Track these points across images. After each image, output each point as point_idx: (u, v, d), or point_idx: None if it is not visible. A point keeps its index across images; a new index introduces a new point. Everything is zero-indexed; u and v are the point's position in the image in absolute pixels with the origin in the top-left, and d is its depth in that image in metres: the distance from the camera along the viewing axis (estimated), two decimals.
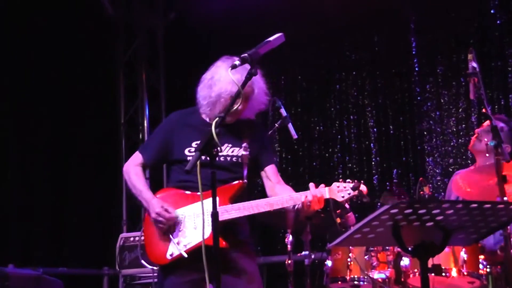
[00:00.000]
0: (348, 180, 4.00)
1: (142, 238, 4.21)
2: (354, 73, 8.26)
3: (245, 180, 4.05)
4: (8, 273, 4.76)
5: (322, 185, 3.99)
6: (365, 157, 8.09)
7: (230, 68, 3.59)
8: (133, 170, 4.25)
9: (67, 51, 8.27)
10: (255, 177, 4.26)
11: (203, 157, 3.93)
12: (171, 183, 4.22)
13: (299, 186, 8.08)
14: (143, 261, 4.64)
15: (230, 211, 3.97)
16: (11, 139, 7.66)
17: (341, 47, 8.32)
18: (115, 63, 8.99)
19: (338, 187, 3.96)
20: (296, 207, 3.99)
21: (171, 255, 4.02)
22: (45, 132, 7.97)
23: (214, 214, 3.33)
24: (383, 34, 8.13)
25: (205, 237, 3.88)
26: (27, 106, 7.86)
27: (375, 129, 8.09)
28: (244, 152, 4.09)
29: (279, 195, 4.10)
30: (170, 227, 4.02)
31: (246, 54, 3.55)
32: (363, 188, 3.97)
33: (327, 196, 3.96)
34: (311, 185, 3.98)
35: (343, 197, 3.94)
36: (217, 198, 3.88)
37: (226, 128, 4.01)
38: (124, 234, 7.02)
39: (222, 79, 4.04)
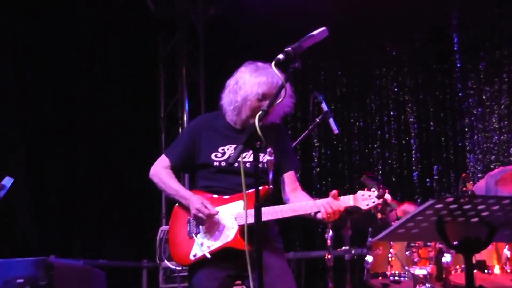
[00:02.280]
0: (373, 188, 3.98)
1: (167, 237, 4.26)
2: (394, 68, 8.20)
3: (271, 186, 4.03)
4: (53, 263, 4.83)
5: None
6: (405, 153, 8.04)
7: (274, 63, 3.52)
8: (163, 171, 4.26)
9: (109, 46, 8.36)
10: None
11: (223, 164, 4.06)
12: (194, 188, 4.23)
13: (338, 181, 8.13)
14: (166, 261, 4.70)
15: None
16: (54, 132, 7.76)
17: (381, 43, 8.27)
18: (156, 58, 9.06)
19: (363, 195, 3.95)
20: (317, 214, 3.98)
21: (194, 256, 4.05)
22: (87, 125, 8.06)
23: (258, 207, 3.32)
24: (424, 29, 8.07)
25: (230, 239, 3.98)
26: (70, 100, 7.96)
27: (415, 125, 8.03)
28: (269, 158, 4.03)
29: (295, 201, 4.12)
30: (197, 227, 4.06)
31: (289, 48, 3.51)
32: (387, 197, 3.95)
33: (351, 204, 3.96)
34: (333, 193, 3.96)
35: (367, 205, 3.93)
36: (243, 202, 3.96)
37: None
38: (164, 227, 7.05)
39: (247, 82, 4.07)
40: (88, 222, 7.93)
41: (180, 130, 8.93)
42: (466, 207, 2.86)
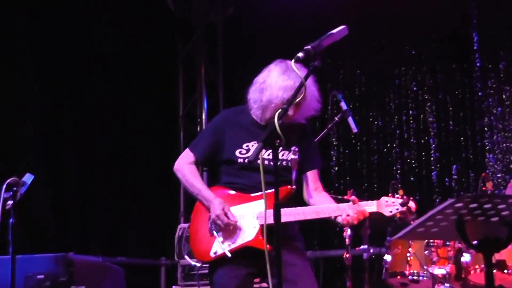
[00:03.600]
0: (397, 195, 3.97)
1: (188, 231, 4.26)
2: (414, 68, 8.18)
3: (294, 186, 4.03)
4: (72, 259, 4.86)
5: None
6: (424, 152, 8.02)
7: (293, 61, 3.50)
8: (188, 168, 4.22)
9: (128, 45, 8.40)
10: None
11: (247, 161, 4.04)
12: (217, 183, 4.21)
13: (356, 181, 8.12)
14: (186, 256, 4.69)
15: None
16: (73, 129, 7.81)
17: (401, 42, 8.24)
18: (175, 57, 9.09)
19: (387, 201, 3.95)
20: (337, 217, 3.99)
21: (215, 253, 4.06)
22: (106, 124, 8.10)
23: (277, 206, 3.33)
24: (444, 28, 8.04)
25: (250, 238, 3.99)
26: (89, 99, 8.00)
27: (434, 125, 8.00)
28: (293, 156, 4.05)
29: (316, 202, 4.13)
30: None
31: (309, 46, 3.51)
32: (411, 204, 3.94)
33: (374, 210, 3.95)
34: (352, 199, 3.97)
35: (390, 212, 3.93)
36: (264, 201, 3.96)
37: None
38: (182, 225, 7.09)
39: (273, 84, 4.02)
40: (107, 219, 7.96)
41: (198, 129, 8.95)
42: (486, 206, 2.85)
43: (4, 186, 4.46)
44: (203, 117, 8.99)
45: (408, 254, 5.19)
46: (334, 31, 3.63)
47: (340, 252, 5.84)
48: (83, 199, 7.79)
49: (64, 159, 7.68)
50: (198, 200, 4.20)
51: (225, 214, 4.00)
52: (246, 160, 4.08)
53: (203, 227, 4.13)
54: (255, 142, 4.08)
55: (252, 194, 4.05)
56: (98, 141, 8.01)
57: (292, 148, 4.06)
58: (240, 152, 4.11)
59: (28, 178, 4.57)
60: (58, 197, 7.42)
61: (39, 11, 7.52)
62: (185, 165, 4.23)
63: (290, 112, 3.94)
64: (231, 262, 4.02)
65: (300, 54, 3.50)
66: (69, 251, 5.09)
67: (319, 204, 4.12)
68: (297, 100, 3.62)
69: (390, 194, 3.98)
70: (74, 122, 7.82)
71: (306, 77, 3.55)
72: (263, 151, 3.95)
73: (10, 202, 4.44)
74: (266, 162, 3.98)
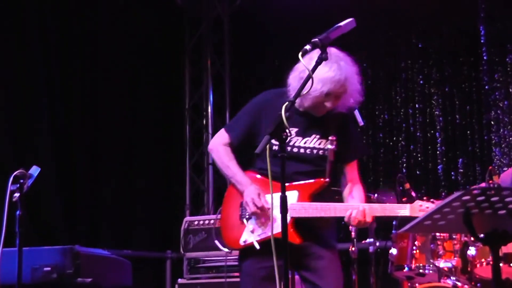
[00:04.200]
0: (432, 199, 3.96)
1: (219, 217, 4.17)
2: (420, 61, 8.15)
3: (327, 179, 3.96)
4: (79, 251, 4.87)
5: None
6: (430, 146, 8.00)
7: (301, 53, 3.50)
8: (223, 149, 4.13)
9: (135, 38, 8.40)
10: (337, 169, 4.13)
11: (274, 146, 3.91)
12: (251, 168, 4.12)
13: (363, 174, 8.07)
14: (216, 241, 4.59)
15: (308, 209, 3.91)
16: (81, 122, 7.81)
17: (408, 35, 8.22)
18: (181, 50, 9.09)
19: (421, 206, 3.91)
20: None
21: (244, 241, 4.00)
22: (113, 116, 8.10)
23: (283, 198, 3.33)
24: (451, 22, 8.01)
25: (280, 230, 3.82)
26: (96, 90, 8.01)
27: (441, 118, 7.98)
28: (330, 146, 3.98)
29: (346, 195, 4.07)
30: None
31: (317, 39, 3.51)
32: None
33: (407, 214, 3.90)
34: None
35: None
36: (297, 193, 3.91)
37: (314, 120, 3.98)
38: (188, 218, 7.10)
39: (314, 75, 3.80)
40: (114, 212, 7.98)
41: (204, 122, 8.97)
42: (493, 199, 2.84)
43: (11, 178, 4.47)
44: (209, 110, 8.99)
45: (414, 248, 5.18)
46: (342, 23, 3.63)
47: (346, 246, 5.82)
48: (90, 191, 7.80)
49: (72, 151, 7.69)
50: (231, 183, 4.11)
51: (255, 204, 3.90)
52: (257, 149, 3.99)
53: (234, 214, 4.06)
54: (292, 128, 3.96)
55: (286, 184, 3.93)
56: (106, 134, 8.02)
57: (330, 138, 3.99)
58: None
59: (34, 170, 4.58)
60: (65, 190, 7.43)
61: (49, 7, 7.52)
62: (220, 146, 4.14)
63: (328, 104, 3.90)
64: (260, 252, 3.94)
65: (308, 47, 3.51)
66: (76, 243, 5.10)
67: (348, 196, 4.05)
68: (304, 93, 3.57)
69: (424, 198, 3.96)
70: (82, 115, 7.83)
71: (313, 70, 3.54)
72: (299, 138, 3.99)
73: (17, 194, 4.45)
74: (302, 150, 3.98)
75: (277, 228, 3.84)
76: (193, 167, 8.92)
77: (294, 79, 3.91)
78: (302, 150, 3.94)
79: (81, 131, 7.79)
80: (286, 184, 3.82)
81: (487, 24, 7.77)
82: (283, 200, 3.34)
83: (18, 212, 4.42)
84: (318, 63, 3.55)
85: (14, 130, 7.10)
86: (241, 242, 4.01)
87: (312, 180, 3.97)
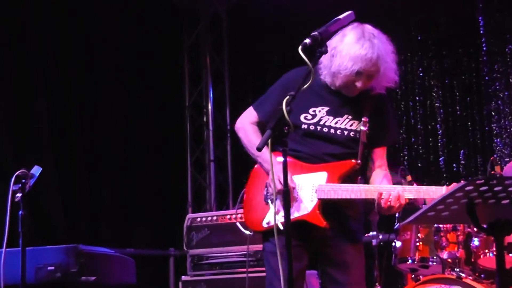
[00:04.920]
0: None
1: (243, 199, 4.00)
2: (419, 53, 8.15)
3: (359, 161, 3.82)
4: (83, 250, 4.87)
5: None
6: (431, 138, 8.00)
7: (300, 48, 3.43)
8: (251, 128, 3.98)
9: (133, 36, 8.40)
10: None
11: (312, 128, 3.77)
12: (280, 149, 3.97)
13: (364, 167, 8.08)
14: (238, 223, 4.47)
15: (338, 191, 3.74)
16: (81, 120, 7.82)
17: (406, 27, 8.21)
18: (180, 48, 9.08)
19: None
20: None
21: (267, 223, 3.84)
22: (113, 114, 8.10)
23: (286, 192, 3.29)
24: (449, 13, 8.00)
25: (307, 212, 3.73)
26: (96, 89, 8.01)
27: (441, 110, 7.99)
28: (363, 128, 3.83)
29: (373, 181, 3.90)
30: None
31: (316, 32, 3.47)
32: None
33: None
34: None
35: None
36: (326, 174, 3.75)
37: (347, 100, 3.85)
38: (191, 215, 7.09)
39: (344, 53, 3.72)
40: (116, 210, 7.98)
41: (205, 119, 8.96)
42: (496, 188, 2.84)
43: (13, 179, 4.47)
44: (209, 107, 8.99)
45: (417, 240, 5.17)
46: (341, 16, 3.61)
47: None
48: (92, 190, 7.81)
49: (72, 150, 7.69)
50: (257, 162, 3.95)
51: (280, 182, 3.66)
52: (311, 127, 3.85)
53: (258, 194, 3.92)
54: (323, 107, 3.86)
55: (315, 165, 3.82)
56: (106, 132, 8.02)
57: (363, 119, 3.85)
58: (305, 118, 3.86)
59: (36, 170, 4.58)
60: (67, 189, 7.44)
61: (46, 6, 7.52)
62: (248, 124, 4.00)
63: (359, 84, 3.75)
64: (284, 234, 3.81)
65: (307, 40, 3.45)
66: (79, 242, 5.10)
67: (375, 182, 3.87)
68: (304, 87, 3.48)
69: (401, 180, 3.92)
70: (82, 114, 7.83)
71: (314, 64, 3.50)
72: (330, 118, 3.83)
73: (19, 194, 4.45)
74: (332, 130, 3.84)
75: (304, 209, 3.77)
76: (195, 164, 8.92)
77: (324, 57, 3.70)
78: (332, 131, 3.81)
79: (81, 130, 7.79)
80: (316, 164, 3.77)
81: (486, 15, 7.76)
82: (286, 195, 3.29)
83: (20, 212, 4.41)
84: (318, 57, 3.50)
85: (14, 129, 7.10)
86: (264, 224, 3.86)
87: (342, 161, 3.83)
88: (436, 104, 8.02)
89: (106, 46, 8.13)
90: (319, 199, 3.77)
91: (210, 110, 8.98)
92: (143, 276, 6.29)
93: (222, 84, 9.08)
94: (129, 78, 8.37)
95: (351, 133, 3.88)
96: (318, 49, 3.49)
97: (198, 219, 6.81)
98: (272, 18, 8.56)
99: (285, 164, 3.30)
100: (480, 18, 7.79)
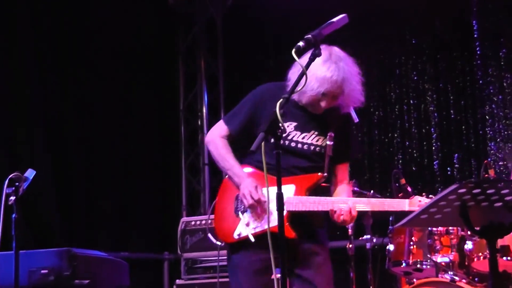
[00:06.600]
0: (431, 195, 3.97)
1: (212, 216, 4.14)
2: (414, 57, 8.15)
3: (325, 173, 3.96)
4: (76, 253, 4.86)
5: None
6: (426, 142, 8.00)
7: (294, 50, 3.46)
8: (221, 142, 4.08)
9: (128, 40, 8.39)
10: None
11: (280, 142, 3.72)
12: (248, 159, 4.08)
13: (358, 171, 8.11)
14: (209, 235, 4.57)
15: (305, 203, 3.89)
16: (76, 124, 7.81)
17: (401, 31, 8.22)
18: (175, 51, 9.08)
19: (420, 201, 3.89)
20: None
21: (238, 234, 3.96)
22: (108, 118, 8.09)
23: (279, 195, 3.32)
24: (444, 17, 8.01)
25: (276, 224, 3.71)
26: (91, 93, 7.99)
27: (435, 114, 7.98)
28: (328, 142, 3.97)
29: (334, 195, 4.05)
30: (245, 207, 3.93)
31: (309, 35, 3.51)
32: None
33: (406, 208, 3.89)
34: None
35: None
36: (294, 187, 3.88)
37: (314, 116, 3.97)
38: (185, 218, 7.09)
39: (311, 74, 3.77)
40: (110, 214, 7.97)
41: (199, 123, 8.96)
42: (489, 191, 2.85)
43: (7, 182, 4.46)
44: (204, 111, 8.99)
45: (411, 243, 5.18)
46: (335, 19, 3.63)
47: (343, 243, 5.83)
48: (86, 193, 7.79)
49: (67, 154, 7.68)
50: (227, 175, 4.06)
51: (252, 196, 3.86)
52: (280, 142, 3.81)
53: (229, 206, 4.03)
54: (291, 122, 3.97)
55: (282, 178, 3.81)
56: (101, 135, 8.00)
57: (328, 134, 3.98)
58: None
59: (30, 173, 4.58)
60: (61, 192, 7.43)
61: (41, 8, 7.51)
62: (218, 138, 4.10)
63: (323, 104, 3.89)
64: (253, 246, 3.92)
65: (301, 43, 3.49)
66: (73, 245, 5.09)
67: (338, 196, 4.03)
68: (298, 89, 3.55)
69: (423, 194, 3.96)
70: (76, 116, 7.82)
71: (307, 66, 3.52)
72: (297, 133, 3.97)
73: (12, 198, 4.45)
74: (299, 145, 3.95)
75: (274, 221, 3.79)
76: (189, 168, 8.91)
77: (293, 75, 3.85)
78: (299, 145, 3.94)
79: (76, 133, 7.79)
80: (284, 177, 3.78)
81: (480, 18, 7.77)
82: (279, 197, 3.32)
83: (14, 215, 4.41)
84: (311, 59, 3.54)
85: (9, 132, 7.09)
86: (235, 236, 3.97)
87: (309, 174, 3.96)
88: (430, 108, 8.01)
89: (101, 49, 8.12)
90: (287, 211, 3.84)
91: (204, 114, 8.98)
92: (137, 280, 6.28)
93: (217, 88, 9.07)
94: (124, 82, 8.36)
95: (317, 148, 4.01)
96: (311, 52, 3.52)
97: (192, 223, 6.82)
98: (267, 22, 8.57)
99: (278, 167, 3.35)
100: (474, 22, 7.80)
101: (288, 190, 3.89)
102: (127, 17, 8.36)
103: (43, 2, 7.55)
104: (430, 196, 3.98)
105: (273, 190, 3.79)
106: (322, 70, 3.84)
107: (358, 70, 3.96)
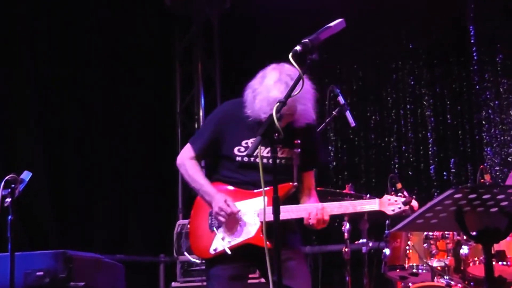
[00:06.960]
0: (400, 194, 3.98)
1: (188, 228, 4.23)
2: (411, 62, 8.18)
3: (295, 183, 4.00)
4: (72, 255, 4.86)
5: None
6: (422, 146, 8.02)
7: (291, 54, 3.45)
8: (189, 163, 4.16)
9: (125, 41, 8.39)
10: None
11: (246, 159, 3.96)
12: (217, 175, 4.14)
13: (354, 175, 8.12)
14: (186, 253, 4.65)
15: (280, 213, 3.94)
16: (72, 126, 7.80)
17: (398, 36, 8.24)
18: (172, 53, 9.08)
19: (389, 200, 3.93)
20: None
21: (214, 250, 4.01)
22: (104, 120, 8.08)
23: (275, 198, 3.33)
24: (440, 22, 8.03)
25: (251, 235, 3.94)
26: (87, 95, 7.99)
27: (432, 118, 8.01)
28: (295, 150, 4.01)
29: (301, 202, 4.10)
30: (219, 222, 4.01)
31: (306, 40, 3.49)
32: (414, 203, 3.92)
33: (376, 208, 3.94)
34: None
35: (393, 210, 3.91)
36: (266, 199, 3.79)
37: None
38: (181, 221, 7.09)
39: (263, 96, 3.88)
40: (106, 216, 7.96)
41: (196, 125, 8.95)
42: (485, 196, 2.85)
43: (2, 183, 4.45)
44: (201, 113, 8.99)
45: (407, 247, 5.19)
46: (332, 24, 3.62)
47: (339, 247, 5.83)
48: (82, 196, 7.78)
49: (63, 156, 7.67)
50: (199, 195, 4.15)
51: (228, 205, 3.94)
52: (245, 159, 4.02)
53: (203, 223, 4.09)
54: (254, 139, 3.90)
55: (254, 191, 3.99)
56: (97, 137, 8.00)
57: (294, 142, 4.01)
58: (238, 150, 4.04)
59: (26, 175, 4.56)
60: (57, 194, 7.41)
61: (39, 9, 7.51)
62: (186, 160, 4.18)
63: (280, 124, 3.78)
64: (229, 258, 3.99)
65: (298, 48, 3.48)
66: (68, 248, 5.08)
67: (306, 201, 4.11)
68: (295, 93, 3.49)
69: (392, 193, 3.97)
70: (72, 118, 7.81)
71: (304, 71, 3.48)
72: (262, 148, 3.91)
73: (8, 199, 4.43)
74: (264, 160, 3.92)
75: (248, 234, 3.97)
76: None
77: (247, 96, 3.97)
78: (265, 160, 3.91)
79: (72, 135, 7.77)
80: (254, 191, 3.97)
81: (477, 24, 7.80)
82: (275, 201, 3.34)
83: (9, 217, 4.40)
84: (309, 64, 3.51)
85: (4, 134, 7.08)
86: (211, 251, 4.03)
87: (280, 185, 3.92)
88: (427, 113, 8.03)
89: (98, 51, 8.12)
90: (261, 222, 3.90)
91: (201, 117, 8.98)
92: (133, 282, 6.28)
93: (214, 90, 9.08)
94: (121, 84, 8.35)
95: (283, 161, 4.04)
96: (308, 56, 3.52)
97: (189, 226, 6.79)
98: (264, 24, 8.58)
99: (274, 172, 3.39)
100: (471, 27, 7.83)
101: (260, 202, 3.91)
102: (124, 18, 8.36)
103: (41, 3, 7.54)
104: (400, 194, 3.97)
105: (245, 203, 4.00)
106: (273, 92, 3.86)
107: (309, 87, 3.94)
